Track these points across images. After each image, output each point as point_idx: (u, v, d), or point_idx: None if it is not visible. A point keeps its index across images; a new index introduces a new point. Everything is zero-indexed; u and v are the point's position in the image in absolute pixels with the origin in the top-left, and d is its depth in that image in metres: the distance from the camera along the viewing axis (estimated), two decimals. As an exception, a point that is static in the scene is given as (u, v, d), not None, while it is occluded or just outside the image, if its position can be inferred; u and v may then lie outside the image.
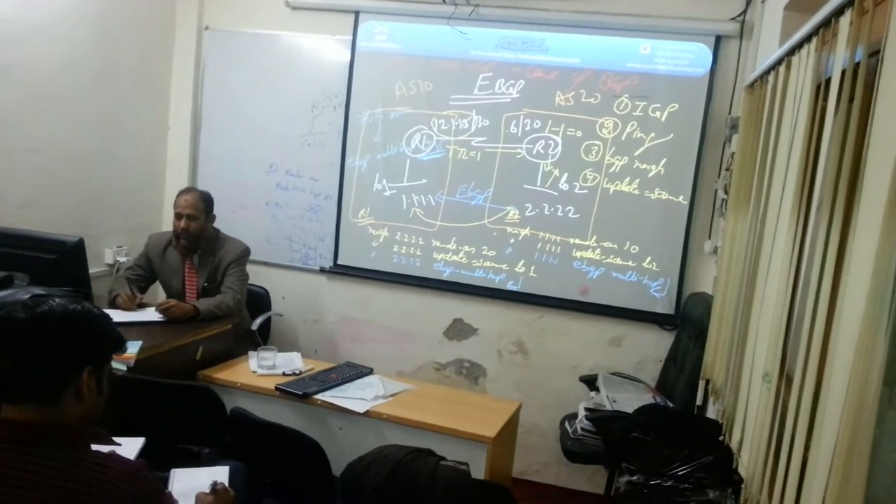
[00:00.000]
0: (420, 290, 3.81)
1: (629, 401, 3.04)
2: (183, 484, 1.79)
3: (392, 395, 2.79)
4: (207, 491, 1.67)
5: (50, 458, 1.18)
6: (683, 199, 3.43)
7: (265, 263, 3.97)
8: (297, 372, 2.91)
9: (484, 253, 3.69)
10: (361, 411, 2.61)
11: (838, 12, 1.54)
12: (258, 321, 3.45)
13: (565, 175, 3.55)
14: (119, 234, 3.79)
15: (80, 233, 2.90)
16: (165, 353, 2.74)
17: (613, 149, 3.48)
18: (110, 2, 3.54)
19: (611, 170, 3.49)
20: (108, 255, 3.73)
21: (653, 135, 3.43)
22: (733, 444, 2.20)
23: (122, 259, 3.70)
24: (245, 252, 3.37)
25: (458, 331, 3.80)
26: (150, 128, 3.99)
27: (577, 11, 3.47)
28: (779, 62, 2.17)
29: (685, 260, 3.46)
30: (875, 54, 1.27)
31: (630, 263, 3.51)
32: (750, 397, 2.03)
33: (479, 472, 2.44)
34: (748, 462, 1.96)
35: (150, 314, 3.01)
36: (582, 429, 2.98)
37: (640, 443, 2.42)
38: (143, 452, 1.88)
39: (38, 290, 1.26)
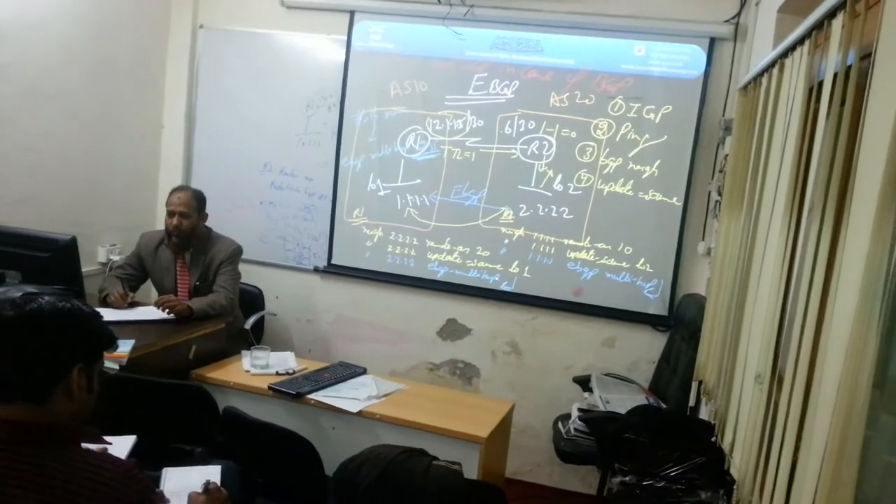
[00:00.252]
0: (414, 290, 3.81)
1: (622, 402, 3.05)
2: (175, 483, 1.79)
3: (385, 395, 2.79)
4: (200, 490, 1.67)
5: (40, 457, 1.17)
6: (677, 201, 3.44)
7: (259, 263, 3.96)
8: (291, 371, 2.90)
9: (478, 253, 3.69)
10: (354, 411, 2.61)
11: (830, 15, 1.55)
12: (251, 320, 3.44)
13: (559, 176, 3.55)
14: (112, 233, 3.78)
15: (73, 231, 2.89)
16: (158, 352, 2.73)
17: (607, 150, 3.49)
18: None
19: (605, 171, 3.50)
20: (101, 254, 3.72)
21: (647, 136, 3.44)
22: (725, 445, 2.21)
23: (115, 258, 3.69)
24: (237, 251, 3.36)
25: (452, 331, 3.81)
26: (144, 126, 3.98)
27: (572, 12, 3.47)
28: (772, 64, 2.18)
29: (679, 261, 3.47)
30: (867, 57, 1.27)
31: (624, 264, 3.52)
32: (742, 398, 2.04)
33: (472, 472, 2.44)
34: (740, 463, 1.97)
35: (142, 313, 3.00)
36: (575, 429, 2.99)
37: (632, 443, 2.43)
38: (135, 451, 1.87)
39: (31, 289, 1.26)
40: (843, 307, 1.24)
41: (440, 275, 3.76)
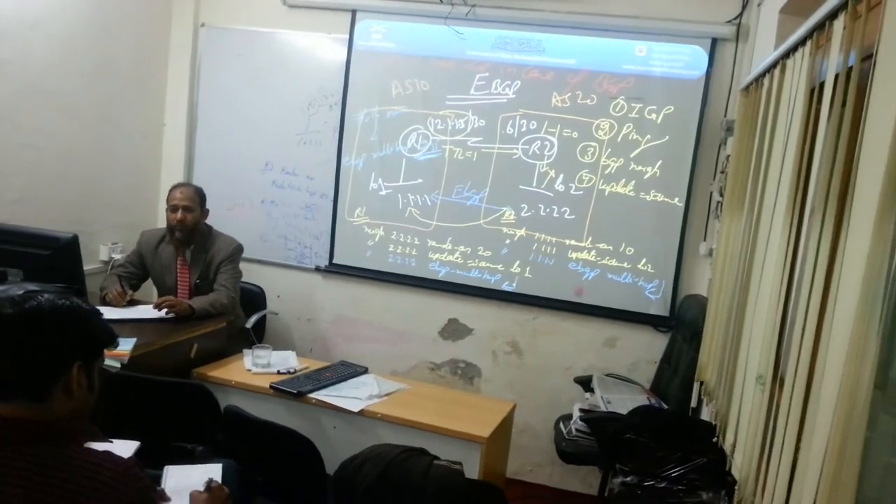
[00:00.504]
0: (415, 289, 3.81)
1: (623, 402, 3.05)
2: (176, 481, 1.79)
3: (386, 395, 2.79)
4: (201, 489, 1.67)
5: (39, 456, 1.17)
6: (679, 202, 3.44)
7: (260, 262, 3.96)
8: (292, 370, 2.91)
9: (479, 253, 3.69)
10: (356, 410, 2.61)
11: (832, 16, 1.55)
12: (252, 319, 3.45)
13: (561, 176, 3.55)
14: (114, 231, 3.78)
15: (74, 229, 2.89)
16: (159, 351, 2.73)
17: (609, 150, 3.49)
18: (107, -2, 3.54)
19: (606, 171, 3.50)
20: (102, 252, 3.72)
21: (648, 137, 3.44)
22: (727, 446, 2.21)
23: (116, 256, 3.69)
24: (238, 249, 3.37)
25: (453, 331, 3.81)
26: (145, 124, 3.98)
27: (574, 12, 3.47)
28: (774, 65, 2.17)
29: (680, 262, 3.47)
30: (868, 58, 1.27)
31: (625, 265, 3.52)
32: (743, 399, 2.04)
33: (472, 472, 2.44)
34: (741, 464, 1.97)
35: (144, 311, 3.00)
36: (576, 430, 2.99)
37: (634, 444, 2.43)
38: (137, 450, 1.87)
39: (32, 287, 1.26)
40: (843, 308, 1.24)
41: (441, 275, 3.76)
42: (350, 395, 2.71)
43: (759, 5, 3.09)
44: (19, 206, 3.18)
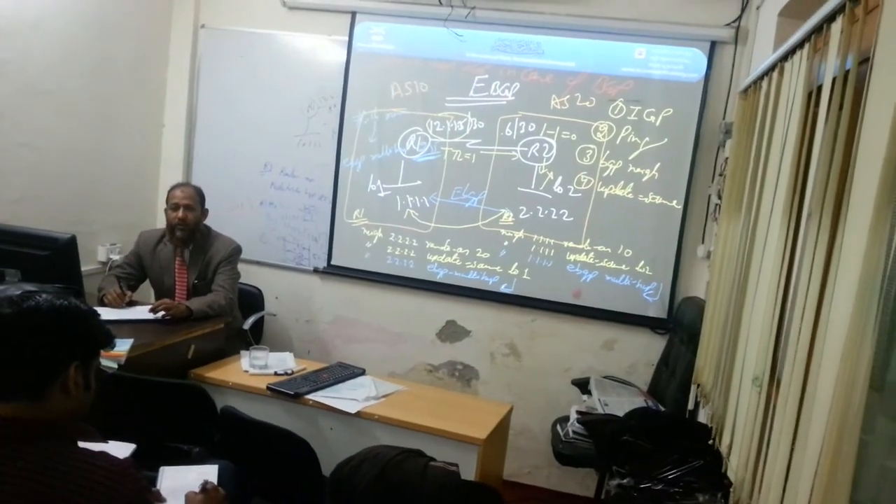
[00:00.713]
0: (413, 291, 3.81)
1: (621, 404, 3.05)
2: (172, 482, 1.79)
3: (384, 396, 2.79)
4: (197, 490, 1.67)
5: (36, 454, 1.17)
6: (677, 204, 3.44)
7: (259, 263, 3.97)
8: (289, 372, 2.90)
9: (478, 255, 3.69)
10: (353, 412, 2.61)
11: (830, 19, 1.55)
12: (250, 321, 3.45)
13: (560, 178, 3.55)
14: (112, 232, 3.78)
15: (72, 230, 2.90)
16: (156, 352, 2.73)
17: (608, 152, 3.49)
18: (106, -1, 3.55)
19: (605, 173, 3.50)
20: (101, 253, 3.72)
21: (647, 139, 3.44)
22: (723, 448, 2.21)
23: (115, 257, 3.69)
24: (236, 250, 3.37)
25: (451, 332, 3.81)
26: (144, 125, 3.98)
27: (573, 15, 3.48)
28: (772, 68, 2.18)
29: (678, 264, 3.47)
30: (865, 62, 1.27)
31: (623, 267, 3.52)
32: (739, 401, 2.04)
33: (469, 473, 2.44)
34: (737, 466, 1.97)
35: (142, 312, 3.00)
36: (573, 432, 2.99)
37: (630, 446, 2.43)
38: (133, 452, 1.87)
39: (30, 287, 1.26)
40: (839, 310, 1.24)
41: (440, 276, 3.76)
42: (347, 397, 2.71)
43: (757, 8, 3.09)
44: (18, 206, 3.18)
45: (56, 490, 1.15)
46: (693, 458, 2.30)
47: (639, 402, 3.13)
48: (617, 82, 3.46)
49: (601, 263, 3.54)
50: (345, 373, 2.98)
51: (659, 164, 3.44)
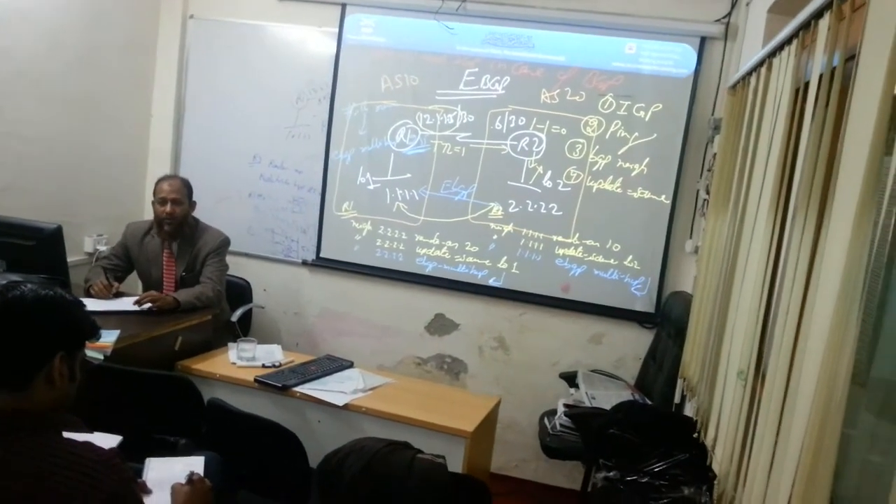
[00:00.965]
0: (402, 284, 3.81)
1: (608, 398, 3.07)
2: (157, 473, 1.78)
3: (372, 389, 2.79)
4: (183, 481, 1.66)
5: (19, 445, 1.17)
6: (666, 199, 3.45)
7: (247, 255, 3.95)
8: (277, 364, 2.90)
9: (467, 248, 3.69)
10: (340, 404, 2.61)
11: (817, 15, 1.56)
12: (238, 313, 3.44)
13: (549, 172, 3.56)
14: (99, 223, 3.76)
15: (59, 221, 2.87)
16: (143, 343, 2.72)
17: (597, 147, 3.50)
18: (94, -13, 3.51)
19: (594, 168, 3.51)
20: (87, 244, 3.70)
21: (636, 134, 3.45)
22: (708, 441, 2.23)
23: (101, 248, 3.67)
24: (224, 242, 3.35)
25: (440, 326, 3.81)
26: (132, 115, 3.95)
27: (564, 9, 3.47)
28: (760, 64, 2.19)
29: (666, 259, 3.49)
30: (851, 59, 1.28)
31: (612, 261, 3.53)
32: (725, 395, 2.06)
33: (457, 466, 2.45)
34: (721, 458, 1.98)
35: (128, 304, 2.98)
36: (561, 425, 3.00)
37: (617, 439, 2.44)
38: (120, 445, 1.87)
39: (15, 277, 1.25)
40: (823, 305, 1.25)
41: (429, 269, 3.76)
42: (335, 389, 2.71)
43: (747, 4, 3.10)
44: (3, 196, 3.14)
45: (40, 480, 1.14)
46: (679, 452, 2.31)
47: (626, 395, 3.15)
48: (607, 77, 3.47)
49: (590, 258, 3.56)
50: (333, 365, 2.98)
51: (648, 159, 3.45)
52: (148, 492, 1.68)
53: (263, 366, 2.87)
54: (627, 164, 3.47)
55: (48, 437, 1.21)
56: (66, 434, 1.25)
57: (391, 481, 1.89)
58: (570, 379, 3.40)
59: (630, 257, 3.51)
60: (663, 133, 3.42)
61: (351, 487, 1.95)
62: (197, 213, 3.37)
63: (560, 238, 3.58)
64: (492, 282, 3.68)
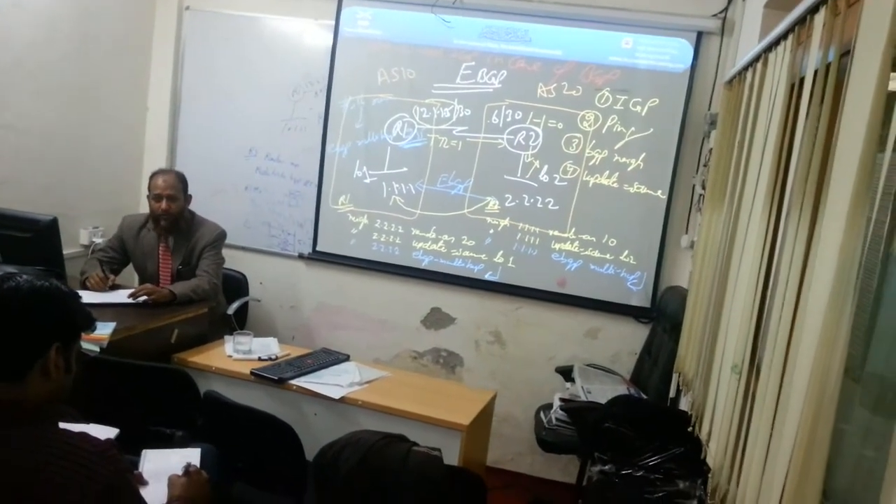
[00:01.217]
0: (399, 278, 3.81)
1: (604, 392, 3.08)
2: (154, 464, 1.79)
3: (368, 382, 2.80)
4: (180, 473, 1.67)
5: (15, 436, 1.17)
6: (662, 194, 3.46)
7: (243, 248, 3.95)
8: (273, 357, 2.90)
9: (463, 242, 3.70)
10: (336, 397, 2.61)
11: (813, 10, 1.56)
12: (234, 306, 3.43)
13: (546, 167, 3.56)
14: (95, 216, 3.75)
15: (55, 213, 2.87)
16: (139, 336, 2.72)
17: (594, 142, 3.50)
18: (89, -22, 3.49)
19: (591, 163, 3.51)
20: (83, 237, 3.69)
21: (633, 129, 3.45)
22: (703, 435, 2.24)
23: (97, 240, 3.67)
24: (221, 235, 3.35)
25: (436, 320, 3.82)
26: (128, 108, 3.94)
27: (561, 3, 3.47)
28: (756, 59, 2.19)
29: (662, 254, 3.50)
30: (847, 55, 1.29)
31: (608, 256, 3.54)
32: (719, 389, 2.07)
33: (452, 459, 2.45)
34: (716, 452, 2.00)
35: (124, 296, 2.98)
36: (557, 419, 3.01)
37: (612, 433, 2.45)
38: (117, 438, 1.87)
39: (10, 269, 1.25)
40: (816, 300, 1.26)
41: (425, 263, 3.76)
42: (331, 382, 2.72)
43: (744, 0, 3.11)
44: (-2, 188, 3.14)
45: (36, 471, 1.15)
46: (674, 445, 2.33)
47: (621, 389, 3.16)
48: (604, 71, 3.47)
49: (586, 252, 3.56)
50: (329, 359, 2.98)
51: (644, 153, 3.45)
52: (144, 483, 1.68)
53: (260, 359, 2.88)
54: (624, 159, 3.48)
55: (44, 428, 1.21)
56: (62, 425, 1.26)
57: (387, 474, 1.91)
58: (566, 373, 3.40)
59: (626, 252, 3.52)
60: (660, 128, 3.43)
61: (347, 480, 1.96)
62: (193, 206, 3.36)
63: (556, 233, 3.58)
64: (488, 276, 3.69)
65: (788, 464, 1.28)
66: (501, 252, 3.66)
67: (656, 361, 3.23)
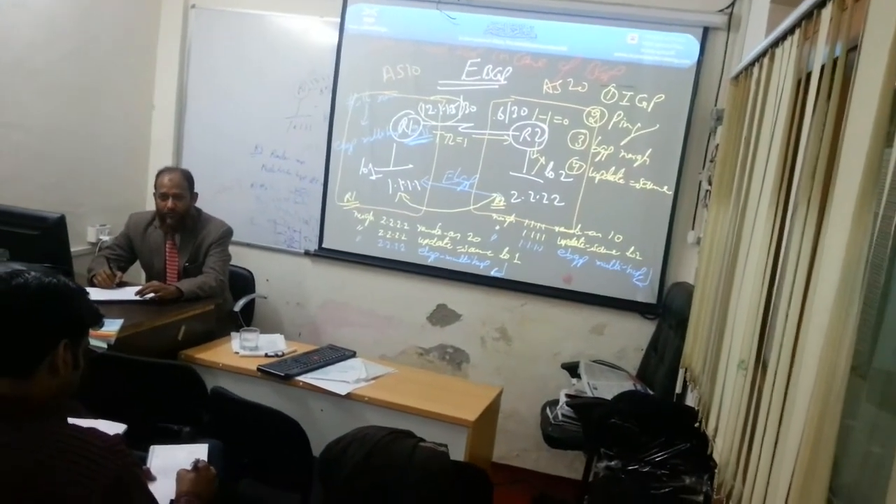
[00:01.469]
0: (404, 274, 3.82)
1: (609, 388, 3.08)
2: (161, 460, 1.80)
3: (374, 379, 2.80)
4: (189, 468, 1.68)
5: (23, 432, 1.18)
6: (668, 190, 3.45)
7: (249, 245, 3.96)
8: (280, 354, 2.91)
9: (469, 239, 3.70)
10: (343, 393, 2.62)
11: (820, 5, 1.56)
12: (241, 303, 3.44)
13: (551, 163, 3.56)
14: (102, 213, 3.77)
15: (62, 211, 2.88)
16: (147, 333, 2.74)
17: (599, 138, 3.49)
18: (95, -24, 3.50)
19: (597, 159, 3.51)
20: (90, 234, 3.71)
21: (639, 125, 3.44)
22: (709, 431, 2.23)
23: (104, 238, 3.68)
24: (227, 232, 3.36)
25: (442, 316, 3.82)
26: (134, 106, 3.95)
27: (567, -1, 3.46)
28: (763, 54, 2.18)
29: (668, 250, 3.49)
30: (854, 50, 1.28)
31: (614, 252, 3.54)
32: (726, 385, 2.06)
33: (458, 455, 2.46)
34: (722, 448, 1.99)
35: (130, 293, 2.99)
36: (563, 415, 3.01)
37: (618, 429, 2.46)
38: (125, 434, 1.88)
39: (18, 266, 1.26)
40: (823, 296, 1.26)
41: (431, 260, 3.76)
42: (337, 379, 2.73)
43: (750, -6, 3.09)
44: (6, 186, 3.15)
45: (45, 466, 1.15)
46: (680, 441, 2.33)
47: (627, 385, 3.16)
48: (609, 67, 3.46)
49: (592, 248, 3.56)
50: (335, 355, 2.99)
51: (650, 149, 3.44)
52: (152, 479, 1.69)
53: (266, 355, 2.89)
54: (630, 155, 3.47)
55: (53, 423, 1.22)
56: (70, 420, 1.26)
57: (393, 470, 1.91)
58: (572, 369, 3.41)
59: (632, 248, 3.52)
60: (666, 124, 3.42)
61: (353, 475, 1.97)
62: (199, 204, 3.37)
63: (562, 229, 3.58)
64: (494, 272, 3.69)
65: (795, 460, 1.28)
66: (507, 248, 3.66)
67: (662, 357, 3.23)
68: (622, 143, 3.47)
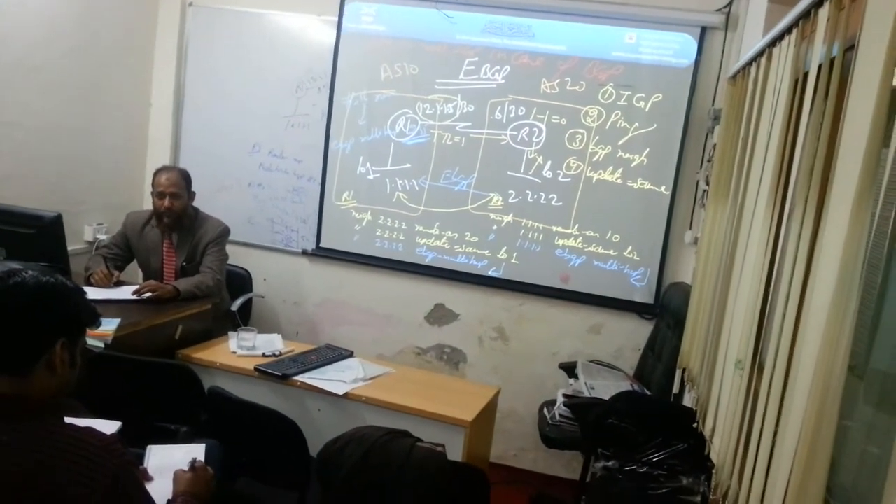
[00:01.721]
0: (402, 274, 3.81)
1: (607, 388, 3.08)
2: (159, 460, 1.80)
3: (372, 378, 2.80)
4: (185, 468, 1.68)
5: (20, 430, 1.18)
6: (665, 190, 3.45)
7: (247, 244, 3.96)
8: (277, 353, 2.91)
9: (467, 239, 3.70)
10: (340, 393, 2.62)
11: (818, 4, 1.56)
12: (238, 302, 3.44)
13: (549, 163, 3.56)
14: (99, 212, 3.76)
15: (59, 209, 2.87)
16: (144, 332, 2.73)
17: (597, 137, 3.49)
18: (93, -25, 3.50)
19: (594, 158, 3.51)
20: (87, 233, 3.70)
21: (636, 124, 3.44)
22: (706, 431, 2.23)
23: (101, 237, 3.68)
24: (224, 232, 3.36)
25: (440, 316, 3.82)
26: (131, 104, 3.95)
27: (565, -2, 3.46)
28: (760, 54, 2.18)
29: (666, 250, 3.50)
30: (851, 49, 1.28)
31: (611, 252, 3.54)
32: (723, 385, 2.06)
33: (456, 455, 2.46)
34: (719, 448, 1.99)
35: (127, 292, 2.99)
36: (560, 415, 3.01)
37: (615, 429, 2.46)
38: (120, 430, 1.88)
39: (15, 265, 1.25)
40: (820, 296, 1.26)
41: (428, 259, 3.76)
42: (335, 378, 2.72)
43: (748, -6, 3.09)
44: (3, 184, 3.15)
45: (42, 465, 1.15)
46: (677, 441, 2.33)
47: (625, 385, 3.16)
48: (607, 67, 3.46)
49: (589, 248, 3.56)
50: (333, 355, 2.99)
51: (648, 149, 3.45)
52: (149, 479, 1.69)
53: (263, 355, 2.89)
54: (627, 155, 3.47)
55: (50, 422, 1.22)
56: (67, 419, 1.26)
57: (390, 469, 1.91)
58: (570, 369, 3.40)
59: (629, 248, 3.52)
60: (663, 123, 3.42)
61: (350, 475, 1.97)
62: (196, 203, 3.37)
63: (560, 228, 3.58)
64: (491, 272, 3.69)
65: (792, 460, 1.28)
66: (505, 248, 3.66)
67: (660, 357, 3.23)
68: (620, 143, 3.47)
